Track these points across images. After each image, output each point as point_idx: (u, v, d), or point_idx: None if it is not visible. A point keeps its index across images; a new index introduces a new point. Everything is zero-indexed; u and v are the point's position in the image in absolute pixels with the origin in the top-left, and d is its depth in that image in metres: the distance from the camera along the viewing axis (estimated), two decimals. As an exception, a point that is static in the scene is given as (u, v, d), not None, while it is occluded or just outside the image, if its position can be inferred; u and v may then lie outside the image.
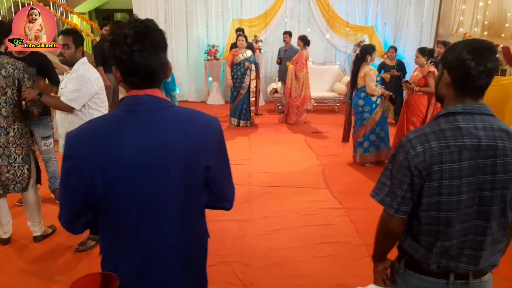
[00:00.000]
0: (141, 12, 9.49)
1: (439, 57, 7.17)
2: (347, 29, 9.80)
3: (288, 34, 8.25)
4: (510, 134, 1.29)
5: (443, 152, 1.26)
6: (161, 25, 9.86)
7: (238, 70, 7.04)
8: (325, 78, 9.32)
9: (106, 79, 6.60)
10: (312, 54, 9.73)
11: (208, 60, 9.54)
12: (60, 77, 3.56)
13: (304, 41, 7.19)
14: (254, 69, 7.07)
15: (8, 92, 2.89)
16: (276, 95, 8.64)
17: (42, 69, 3.70)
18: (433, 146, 1.26)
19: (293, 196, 4.30)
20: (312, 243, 3.35)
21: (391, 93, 5.18)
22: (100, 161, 1.15)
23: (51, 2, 9.14)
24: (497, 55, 1.30)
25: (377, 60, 9.59)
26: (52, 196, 4.05)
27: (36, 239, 3.28)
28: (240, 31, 8.19)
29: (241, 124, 7.31)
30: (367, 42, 9.71)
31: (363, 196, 3.90)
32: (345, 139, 5.60)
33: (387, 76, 7.64)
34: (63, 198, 1.24)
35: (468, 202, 1.29)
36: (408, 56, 9.47)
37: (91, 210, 1.24)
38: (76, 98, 2.82)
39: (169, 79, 6.80)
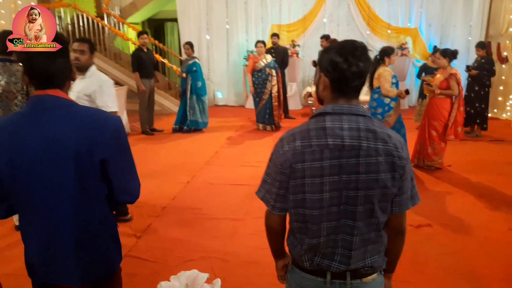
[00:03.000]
0: (185, 20, 9.99)
1: (478, 59, 6.76)
2: (389, 31, 9.52)
3: (325, 38, 8.20)
4: (377, 134, 1.28)
5: (305, 151, 1.28)
6: (203, 32, 10.35)
7: (260, 76, 7.17)
8: (363, 82, 9.11)
9: (141, 84, 7.09)
10: (351, 57, 9.55)
11: (246, 65, 9.78)
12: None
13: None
14: (275, 75, 7.13)
15: (18, 96, 3.31)
16: (310, 99, 8.63)
17: None
18: (297, 145, 1.29)
19: (296, 199, 4.31)
20: (298, 244, 3.37)
21: (405, 89, 4.91)
22: (5, 151, 1.34)
23: (105, 14, 9.90)
24: (368, 55, 1.30)
25: (419, 62, 9.24)
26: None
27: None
28: (275, 36, 8.30)
29: (267, 129, 7.43)
30: (410, 44, 9.38)
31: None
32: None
33: (430, 79, 7.32)
34: None
35: (332, 201, 1.29)
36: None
37: (8, 197, 1.43)
38: (112, 100, 3.13)
39: (200, 84, 7.13)
